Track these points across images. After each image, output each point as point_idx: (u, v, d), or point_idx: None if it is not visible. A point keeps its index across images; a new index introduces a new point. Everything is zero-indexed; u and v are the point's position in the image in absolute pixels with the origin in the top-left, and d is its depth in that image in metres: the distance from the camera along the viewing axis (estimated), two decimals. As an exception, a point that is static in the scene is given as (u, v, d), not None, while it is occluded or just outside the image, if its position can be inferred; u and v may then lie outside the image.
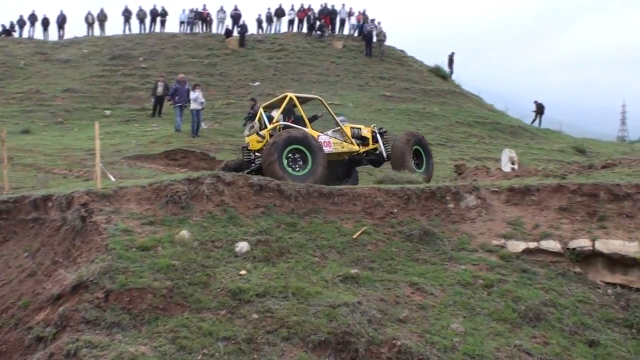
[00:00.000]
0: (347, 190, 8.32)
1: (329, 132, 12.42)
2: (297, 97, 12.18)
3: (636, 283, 7.16)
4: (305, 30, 38.56)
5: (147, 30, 38.23)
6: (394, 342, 5.46)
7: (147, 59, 32.68)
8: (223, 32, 37.30)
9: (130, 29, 38.29)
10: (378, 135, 13.01)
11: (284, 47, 35.59)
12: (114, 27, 39.57)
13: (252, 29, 38.11)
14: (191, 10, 38.41)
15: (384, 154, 12.75)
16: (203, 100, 21.43)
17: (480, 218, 8.16)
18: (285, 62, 33.90)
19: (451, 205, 8.31)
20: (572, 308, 6.58)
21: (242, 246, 6.79)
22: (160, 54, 33.38)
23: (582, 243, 7.40)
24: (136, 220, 6.90)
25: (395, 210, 8.10)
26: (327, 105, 12.88)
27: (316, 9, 38.53)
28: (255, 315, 5.62)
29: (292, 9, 38.82)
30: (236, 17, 36.89)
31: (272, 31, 39.41)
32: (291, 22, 39.05)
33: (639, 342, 6.22)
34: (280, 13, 39.10)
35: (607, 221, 7.65)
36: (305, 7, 38.52)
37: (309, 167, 10.59)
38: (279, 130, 11.35)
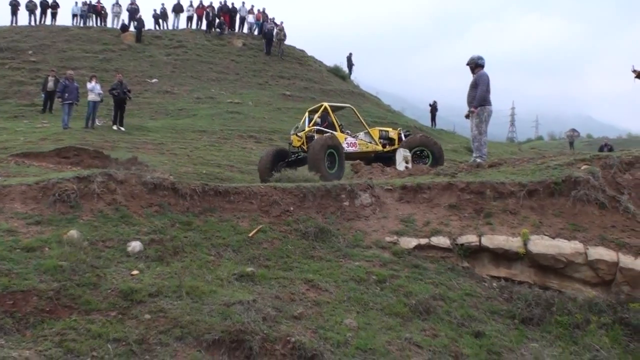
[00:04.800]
0: (244, 189, 8.29)
1: (361, 135, 15.19)
2: (331, 106, 15.17)
3: (519, 276, 7.53)
4: (204, 27, 38.15)
5: (37, 23, 36.62)
6: (288, 338, 5.49)
7: (37, 52, 31.36)
8: (119, 26, 36.31)
9: (17, 21, 36.53)
10: (403, 136, 15.56)
11: (182, 44, 35.12)
12: (0, 18, 37.68)
13: (149, 24, 37.31)
14: (84, 3, 37.15)
15: None
16: (100, 91, 20.94)
17: (374, 215, 8.34)
18: (184, 60, 33.46)
19: (346, 203, 8.45)
20: (459, 301, 6.82)
21: (135, 245, 6.61)
22: (51, 47, 32.11)
23: (469, 239, 7.70)
24: (21, 220, 6.58)
25: (292, 209, 8.16)
26: (357, 113, 16.08)
27: (216, 6, 38.21)
28: (147, 316, 5.49)
29: (191, 6, 38.35)
30: (133, 11, 36.03)
31: (170, 27, 38.74)
32: (190, 18, 38.53)
33: (520, 332, 6.52)
34: (178, 9, 38.50)
35: (493, 218, 8.01)
36: (205, 4, 38.10)
37: (336, 167, 13.53)
38: (314, 133, 14.32)
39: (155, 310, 5.57)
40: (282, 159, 14.55)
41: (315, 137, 14.05)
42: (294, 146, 14.67)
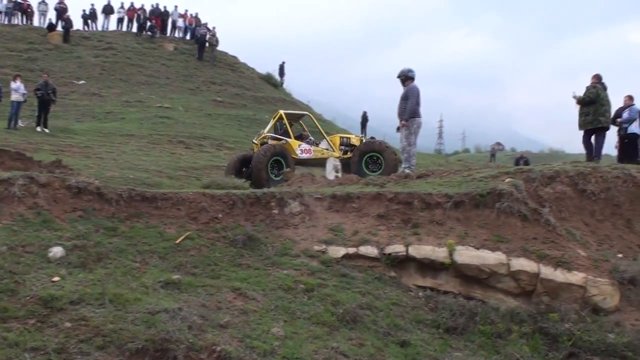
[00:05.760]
0: (171, 195, 8.15)
1: (323, 143, 15.71)
2: (288, 114, 16.12)
3: (444, 286, 7.65)
4: (135, 30, 37.49)
5: (-41, 19, 35.17)
6: (213, 347, 5.40)
7: (-43, 49, 30.08)
8: (45, 25, 35.24)
9: (-63, 17, 35.00)
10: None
11: (112, 46, 34.37)
12: None
13: (77, 24, 36.37)
14: (9, 0, 35.82)
15: None
16: (25, 91, 20.29)
17: (303, 224, 8.34)
18: (113, 62, 32.75)
19: (276, 211, 8.42)
20: (386, 310, 6.87)
21: (56, 251, 6.39)
22: (-27, 45, 30.87)
23: (397, 249, 7.77)
24: None
25: (220, 216, 8.07)
26: (315, 120, 16.82)
27: (147, 8, 37.59)
28: (68, 324, 5.30)
29: (122, 7, 37.60)
30: (60, 10, 35.02)
31: (100, 29, 37.89)
32: (120, 20, 37.79)
33: (445, 341, 6.63)
34: (108, 10, 37.67)
35: (420, 228, 8.12)
36: (136, 6, 37.45)
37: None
38: (268, 140, 15.04)
39: (76, 318, 5.38)
40: (246, 166, 15.00)
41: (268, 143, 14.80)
42: (254, 153, 15.10)
